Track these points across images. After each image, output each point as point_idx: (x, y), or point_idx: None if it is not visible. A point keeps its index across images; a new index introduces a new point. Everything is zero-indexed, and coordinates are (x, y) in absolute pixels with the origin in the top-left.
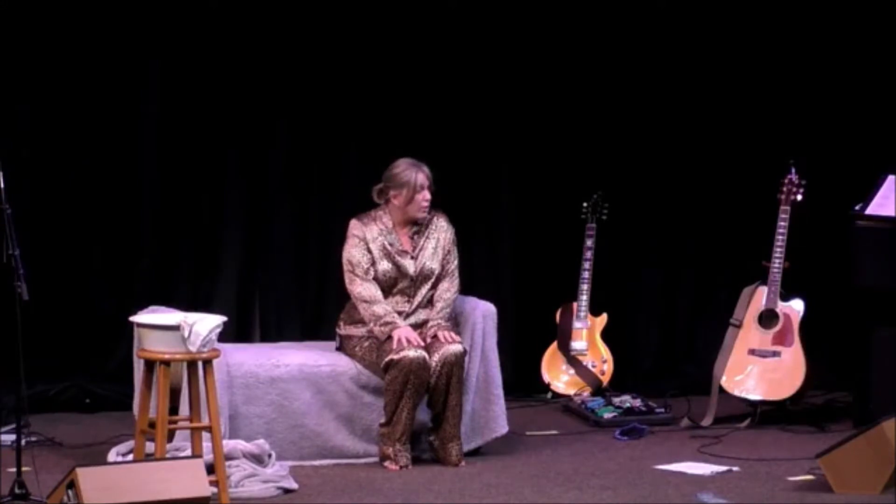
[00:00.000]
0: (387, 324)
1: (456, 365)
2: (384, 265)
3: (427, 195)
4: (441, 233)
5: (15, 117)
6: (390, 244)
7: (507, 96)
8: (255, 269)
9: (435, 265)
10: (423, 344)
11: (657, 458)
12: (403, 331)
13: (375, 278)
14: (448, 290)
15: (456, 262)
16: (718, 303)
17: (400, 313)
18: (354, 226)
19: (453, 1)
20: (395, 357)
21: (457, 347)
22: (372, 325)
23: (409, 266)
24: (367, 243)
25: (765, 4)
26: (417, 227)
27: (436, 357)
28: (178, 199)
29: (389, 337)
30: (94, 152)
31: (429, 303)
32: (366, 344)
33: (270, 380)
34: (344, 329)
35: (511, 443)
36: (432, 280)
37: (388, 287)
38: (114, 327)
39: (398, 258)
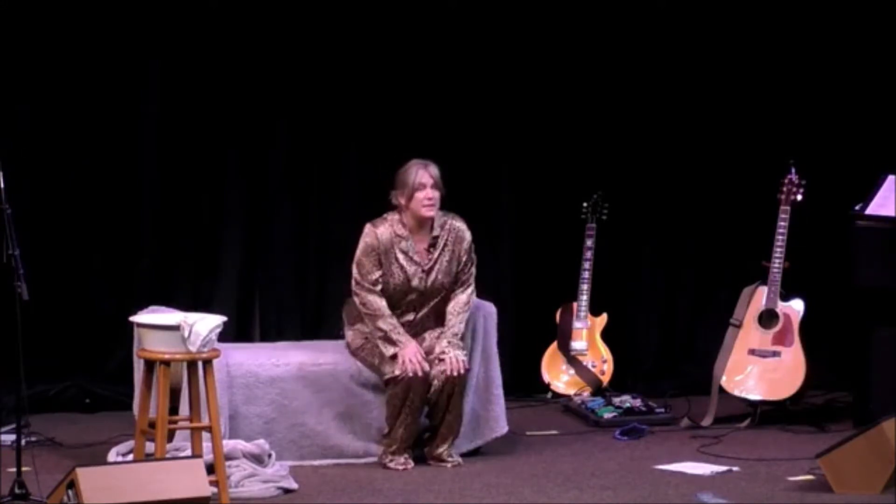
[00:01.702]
0: (391, 341)
1: (458, 385)
2: (394, 279)
3: (430, 193)
4: (457, 244)
5: (15, 117)
6: (404, 251)
7: (508, 97)
8: (255, 269)
9: (447, 279)
10: (426, 368)
11: (657, 458)
12: (409, 352)
13: (386, 290)
14: (462, 303)
15: (472, 271)
16: (718, 303)
17: (407, 323)
18: (367, 232)
19: (453, 1)
20: (397, 373)
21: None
22: (376, 338)
23: (421, 280)
24: (378, 253)
25: (765, 4)
26: (434, 238)
27: (438, 371)
28: (178, 199)
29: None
30: (94, 152)
31: (436, 314)
32: (367, 346)
33: (270, 379)
34: (347, 329)
35: (511, 443)
36: (442, 294)
37: (397, 298)
38: (114, 327)
39: (409, 269)
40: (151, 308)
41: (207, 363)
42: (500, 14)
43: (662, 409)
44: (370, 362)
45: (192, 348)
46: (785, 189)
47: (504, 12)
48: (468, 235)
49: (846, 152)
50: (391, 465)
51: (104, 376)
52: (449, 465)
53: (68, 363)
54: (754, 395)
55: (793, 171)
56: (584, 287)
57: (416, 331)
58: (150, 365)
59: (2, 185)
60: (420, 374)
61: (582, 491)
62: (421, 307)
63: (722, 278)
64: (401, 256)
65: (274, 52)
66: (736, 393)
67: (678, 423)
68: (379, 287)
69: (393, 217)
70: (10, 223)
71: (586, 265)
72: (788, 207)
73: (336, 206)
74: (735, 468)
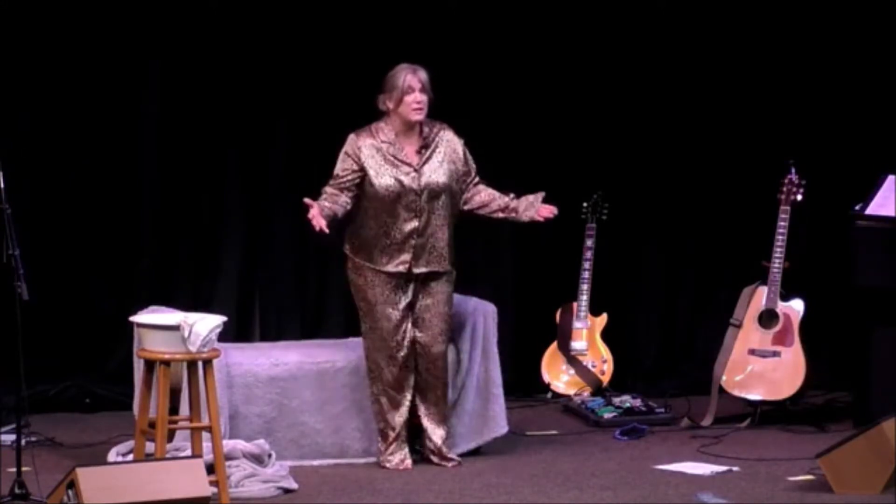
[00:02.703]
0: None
1: (431, 356)
2: (385, 180)
3: (419, 97)
4: (447, 146)
5: (15, 117)
6: (392, 155)
7: (507, 97)
8: (255, 269)
9: (442, 179)
10: (324, 230)
11: (657, 458)
12: (315, 210)
13: (378, 195)
14: (485, 187)
15: (475, 169)
16: (718, 303)
17: (414, 231)
18: (349, 141)
19: (453, 1)
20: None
21: (439, 348)
22: None
23: (412, 179)
24: (358, 160)
25: (765, 5)
26: (424, 140)
27: (419, 357)
28: (178, 199)
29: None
30: (94, 152)
31: (444, 220)
32: (357, 284)
33: (270, 379)
34: (350, 251)
35: (511, 443)
36: (444, 196)
37: (391, 201)
38: (114, 327)
39: (400, 170)
40: (151, 308)
41: (207, 363)
42: (499, 14)
43: (662, 409)
44: (355, 289)
45: (192, 348)
46: (785, 189)
47: (504, 13)
48: (461, 147)
49: (846, 152)
50: (388, 464)
51: (104, 376)
52: (449, 464)
53: (68, 363)
54: (754, 395)
55: (793, 171)
56: (584, 287)
57: (427, 245)
58: (150, 365)
59: (2, 185)
60: (317, 226)
61: (582, 491)
62: (422, 211)
63: (722, 278)
64: (389, 159)
65: (274, 52)
66: (736, 393)
67: (678, 423)
68: (339, 185)
69: (378, 125)
70: (10, 223)
71: (586, 265)
72: (788, 207)
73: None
74: (735, 468)
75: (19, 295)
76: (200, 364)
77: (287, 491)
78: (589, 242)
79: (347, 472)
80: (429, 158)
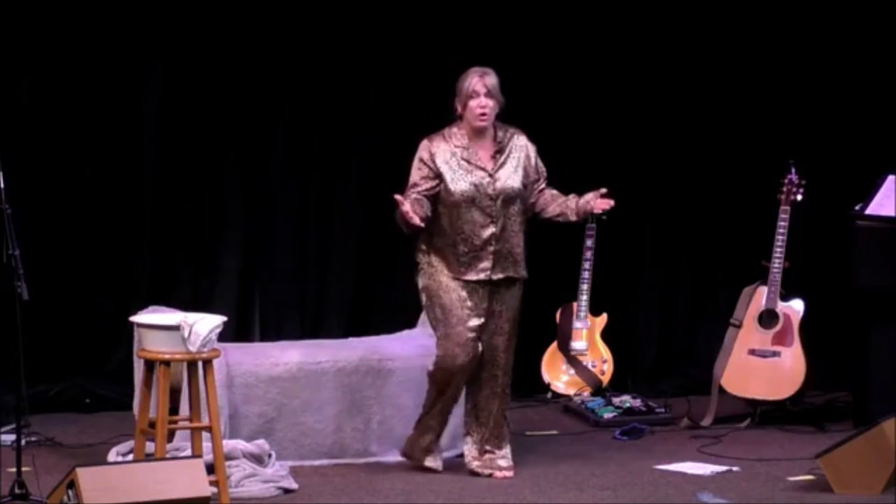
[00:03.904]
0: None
1: (498, 385)
2: (462, 185)
3: (483, 101)
4: (521, 151)
5: (15, 117)
6: (466, 160)
7: (506, 96)
8: (255, 268)
9: (516, 184)
10: (413, 220)
11: (657, 458)
12: (408, 206)
13: (455, 201)
14: (550, 190)
15: (545, 174)
16: (718, 303)
17: (492, 237)
18: (422, 147)
19: (451, 3)
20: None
21: (506, 356)
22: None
23: (489, 184)
24: (434, 165)
25: (765, 5)
26: (498, 145)
27: (486, 363)
28: (178, 199)
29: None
30: (94, 152)
31: (519, 226)
32: (430, 288)
33: (270, 378)
34: (424, 261)
35: (511, 443)
36: (518, 202)
37: (466, 207)
38: (114, 327)
39: (476, 175)
40: (151, 308)
41: (207, 363)
42: (499, 14)
43: (662, 409)
44: (429, 310)
45: (192, 348)
46: (785, 189)
47: (504, 12)
48: (533, 153)
49: (846, 152)
50: (427, 461)
51: (104, 376)
52: (503, 469)
53: (68, 363)
54: (754, 395)
55: (793, 171)
56: (584, 287)
57: (504, 251)
58: (150, 365)
59: (2, 185)
60: (411, 216)
61: (582, 491)
62: (498, 217)
63: (722, 278)
64: (464, 164)
65: (274, 52)
66: (736, 393)
67: (678, 423)
68: (420, 192)
69: (451, 130)
70: (10, 223)
71: (586, 265)
72: (788, 207)
73: (336, 205)
74: (735, 468)
75: (19, 295)
76: (200, 364)
77: (287, 491)
78: (589, 242)
79: (347, 472)
80: (503, 164)
